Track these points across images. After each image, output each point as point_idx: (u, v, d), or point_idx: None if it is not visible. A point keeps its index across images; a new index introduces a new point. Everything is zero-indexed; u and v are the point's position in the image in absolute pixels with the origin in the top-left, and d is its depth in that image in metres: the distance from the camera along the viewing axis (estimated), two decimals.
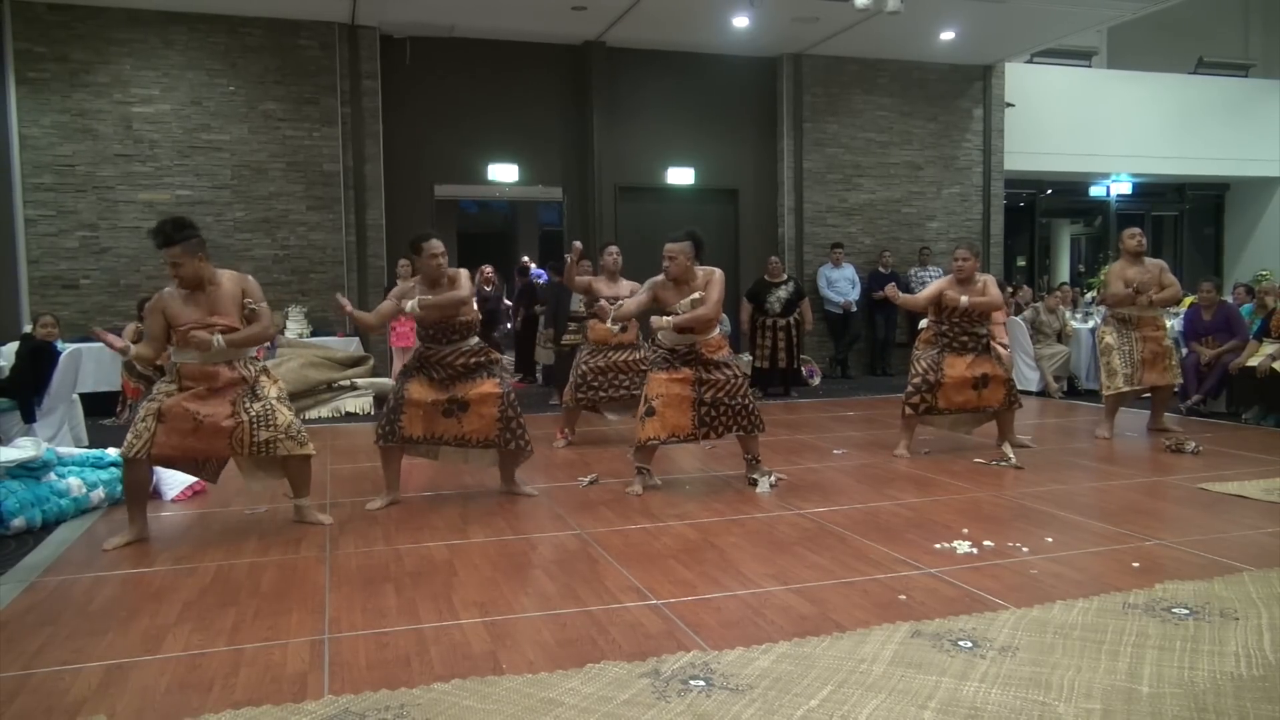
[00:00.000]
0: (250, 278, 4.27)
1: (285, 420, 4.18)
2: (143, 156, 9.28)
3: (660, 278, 4.95)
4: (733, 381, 4.93)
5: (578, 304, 8.28)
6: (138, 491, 4.14)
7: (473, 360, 4.69)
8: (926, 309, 6.09)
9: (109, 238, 9.23)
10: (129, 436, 4.02)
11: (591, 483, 5.21)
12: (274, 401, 4.19)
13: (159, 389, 4.12)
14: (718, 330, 5.03)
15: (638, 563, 3.65)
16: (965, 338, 5.91)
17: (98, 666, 2.70)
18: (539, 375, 10.51)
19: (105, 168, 9.18)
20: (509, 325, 11.26)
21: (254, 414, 4.11)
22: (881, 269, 11.36)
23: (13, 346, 7.19)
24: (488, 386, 4.68)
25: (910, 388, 5.96)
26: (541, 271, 13.00)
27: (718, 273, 4.93)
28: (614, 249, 6.63)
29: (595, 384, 6.41)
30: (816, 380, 10.21)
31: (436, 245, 4.60)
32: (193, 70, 9.40)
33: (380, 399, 8.43)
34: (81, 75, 9.09)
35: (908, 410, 5.95)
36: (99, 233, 9.20)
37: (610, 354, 6.47)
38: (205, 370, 4.07)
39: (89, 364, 7.91)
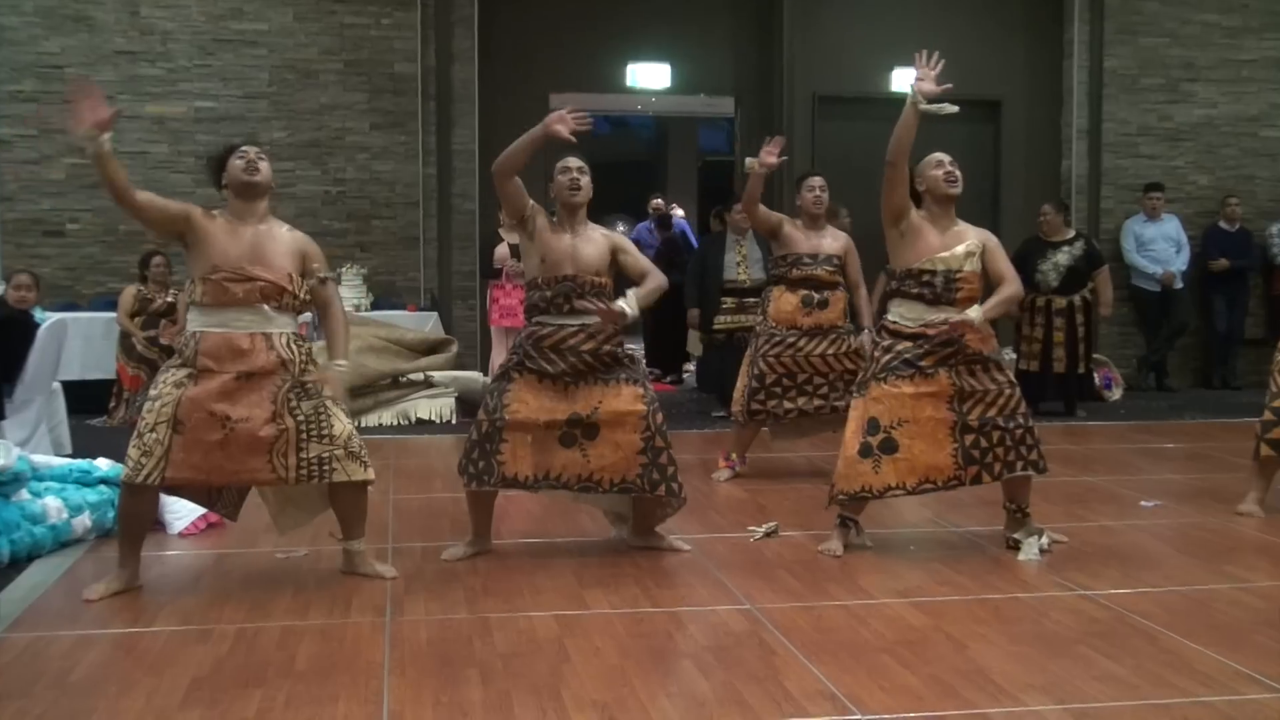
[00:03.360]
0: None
1: (343, 430, 4.32)
2: (151, 55, 9.82)
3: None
4: (1006, 392, 4.82)
5: (735, 269, 8.19)
6: (137, 526, 4.37)
7: (605, 349, 4.73)
8: None
9: None
10: (132, 452, 4.20)
11: (769, 534, 5.21)
12: (328, 402, 4.34)
13: (166, 377, 4.27)
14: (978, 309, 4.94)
15: (834, 656, 3.63)
16: None
17: None
18: (686, 374, 10.54)
19: (103, 69, 9.72)
20: None
21: (302, 418, 4.24)
22: (1225, 224, 10.92)
23: None
24: (626, 399, 4.69)
25: (1270, 414, 5.67)
26: (684, 223, 13.03)
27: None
28: (817, 181, 6.51)
29: (778, 389, 6.34)
30: (1116, 393, 9.97)
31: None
32: None
33: (466, 403, 8.58)
34: None
35: (1265, 450, 5.69)
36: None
37: (802, 342, 6.32)
38: (233, 344, 4.19)
39: (75, 342, 8.34)
